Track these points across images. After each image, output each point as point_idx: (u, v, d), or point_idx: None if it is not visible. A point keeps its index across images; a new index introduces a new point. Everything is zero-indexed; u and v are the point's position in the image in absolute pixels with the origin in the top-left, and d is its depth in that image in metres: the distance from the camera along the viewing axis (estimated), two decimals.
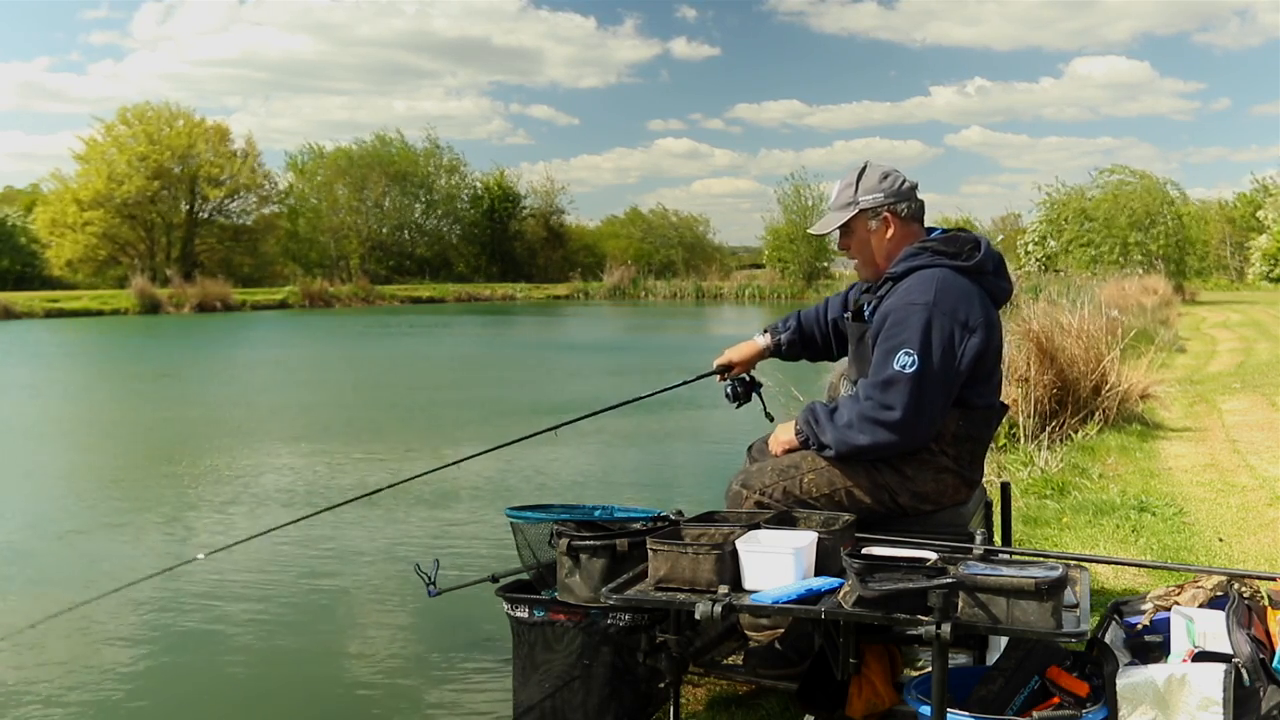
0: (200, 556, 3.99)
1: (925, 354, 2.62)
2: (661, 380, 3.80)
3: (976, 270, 2.76)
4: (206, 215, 40.48)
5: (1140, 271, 25.81)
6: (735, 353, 3.34)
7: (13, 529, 6.04)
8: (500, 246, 47.46)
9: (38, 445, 9.10)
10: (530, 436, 3.72)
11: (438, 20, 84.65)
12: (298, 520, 4.26)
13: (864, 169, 2.90)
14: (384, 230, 45.95)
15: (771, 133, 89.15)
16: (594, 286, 41.97)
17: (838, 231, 2.92)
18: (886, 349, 2.66)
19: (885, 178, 2.86)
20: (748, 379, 3.36)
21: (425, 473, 4.01)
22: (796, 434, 2.86)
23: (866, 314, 2.86)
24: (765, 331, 3.36)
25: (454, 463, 3.90)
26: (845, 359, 3.12)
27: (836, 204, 2.92)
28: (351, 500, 4.60)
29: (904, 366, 2.61)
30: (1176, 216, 32.45)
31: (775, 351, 3.33)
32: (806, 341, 3.30)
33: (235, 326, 25.32)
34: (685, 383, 3.62)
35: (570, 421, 3.68)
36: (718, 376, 3.36)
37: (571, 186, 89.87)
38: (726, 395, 3.34)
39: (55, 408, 11.65)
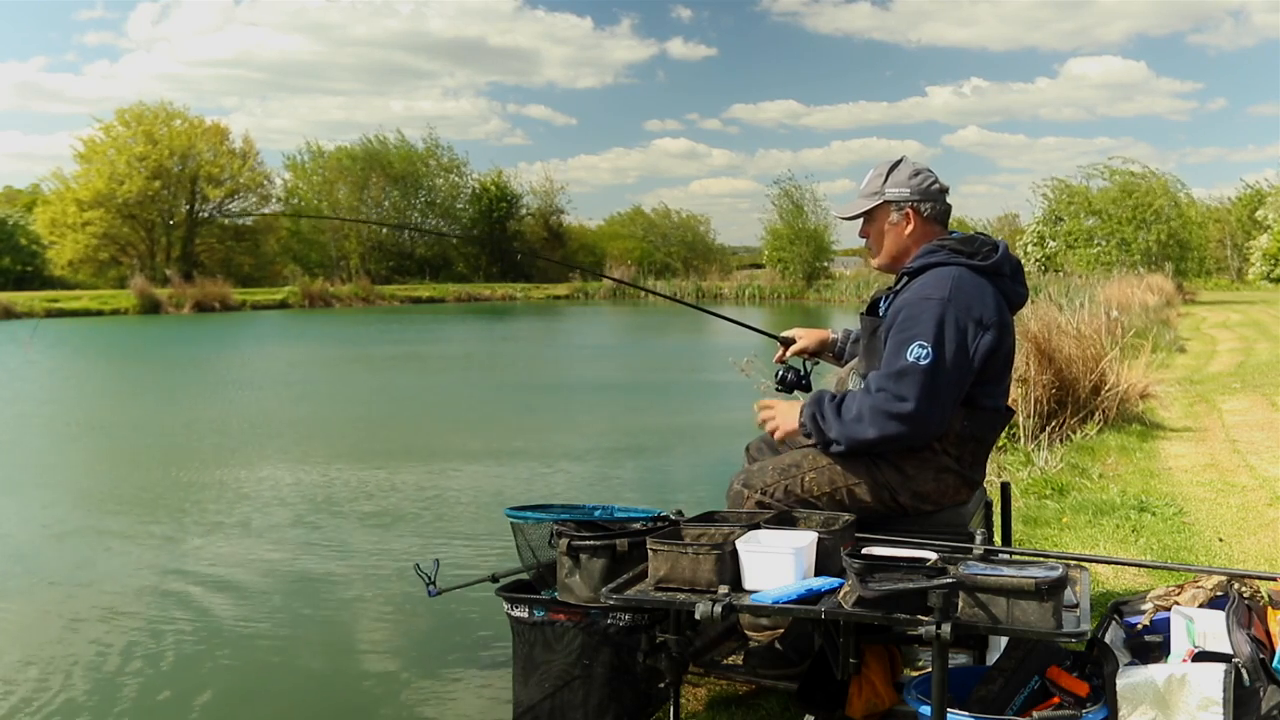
0: None
1: (939, 347, 2.61)
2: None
3: (993, 271, 2.76)
4: (207, 215, 40.50)
5: (1141, 270, 25.82)
6: (803, 330, 3.35)
7: (8, 529, 6.05)
8: (500, 246, 47.45)
9: (30, 445, 9.11)
10: (599, 275, 3.80)
11: (433, 20, 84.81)
12: None
13: (899, 162, 2.92)
14: (384, 230, 45.95)
15: (769, 133, 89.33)
16: (594, 286, 41.95)
17: (861, 218, 2.95)
18: (899, 341, 2.66)
19: (916, 175, 2.88)
20: (803, 374, 3.32)
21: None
22: (800, 425, 2.83)
23: (881, 309, 2.86)
24: (837, 331, 3.38)
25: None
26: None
27: (865, 191, 2.94)
28: None
29: (917, 359, 2.60)
30: (1179, 216, 32.50)
31: (839, 350, 3.30)
32: (865, 329, 3.29)
33: (234, 327, 25.32)
34: (751, 328, 3.64)
35: (633, 285, 3.76)
36: (780, 347, 3.35)
37: (570, 187, 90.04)
38: (776, 377, 3.33)
39: (40, 409, 11.66)
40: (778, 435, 2.91)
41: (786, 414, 2.90)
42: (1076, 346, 7.36)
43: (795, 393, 3.31)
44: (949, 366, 2.62)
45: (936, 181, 2.90)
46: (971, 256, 2.75)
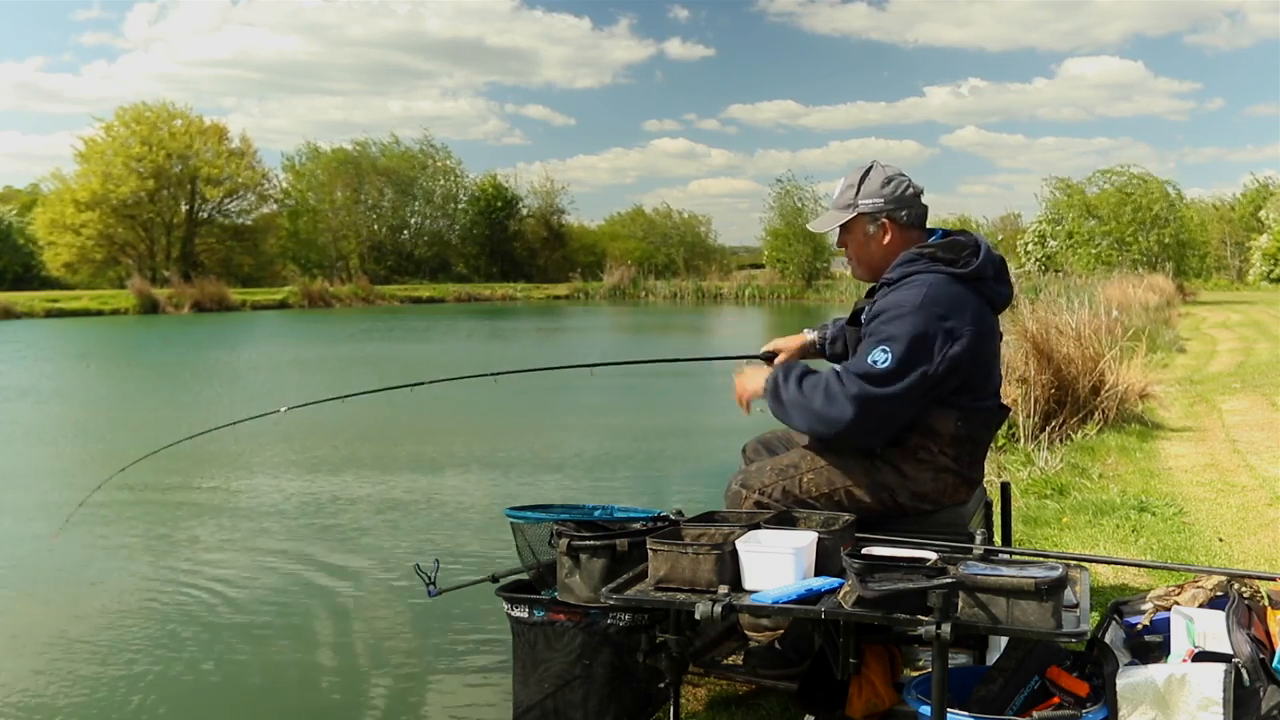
0: (282, 410, 4.02)
1: (901, 354, 2.60)
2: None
3: (974, 277, 2.74)
4: (206, 215, 40.49)
5: (1141, 271, 25.85)
6: (783, 341, 3.35)
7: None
8: (500, 247, 47.44)
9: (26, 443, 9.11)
10: (567, 367, 4.02)
11: (430, 20, 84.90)
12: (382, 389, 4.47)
13: (869, 170, 2.87)
14: (383, 231, 45.93)
15: (767, 133, 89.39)
16: (594, 286, 41.94)
17: (837, 229, 2.91)
18: (866, 346, 2.67)
19: (888, 183, 2.83)
20: None
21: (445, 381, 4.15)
22: (764, 383, 2.85)
23: (863, 319, 2.86)
24: (815, 329, 3.37)
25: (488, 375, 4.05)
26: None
27: (838, 203, 2.89)
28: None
29: (875, 362, 2.61)
30: (1178, 217, 32.62)
31: (821, 348, 3.31)
32: (850, 341, 3.29)
33: (233, 327, 25.31)
34: (728, 358, 3.63)
35: (610, 364, 3.89)
36: (762, 363, 3.35)
37: (569, 187, 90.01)
38: None
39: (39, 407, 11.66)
40: (744, 397, 2.93)
41: (752, 378, 2.93)
42: (1076, 346, 7.36)
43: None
44: (907, 374, 2.60)
45: (910, 185, 2.85)
46: (951, 264, 2.72)
